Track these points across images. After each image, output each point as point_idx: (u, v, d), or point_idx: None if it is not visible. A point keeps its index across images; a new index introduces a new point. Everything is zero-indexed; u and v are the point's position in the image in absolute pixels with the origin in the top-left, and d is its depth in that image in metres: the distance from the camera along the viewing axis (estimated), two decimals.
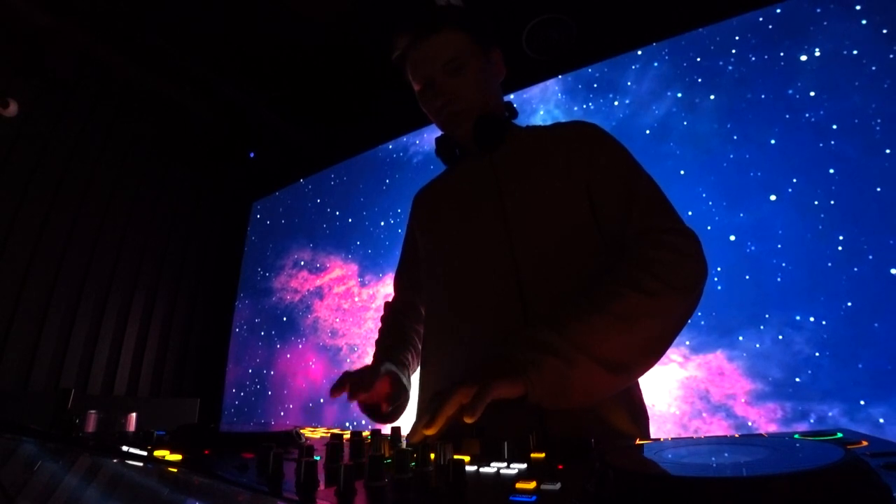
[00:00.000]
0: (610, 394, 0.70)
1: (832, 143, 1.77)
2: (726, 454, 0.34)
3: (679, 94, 2.20)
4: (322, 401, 2.98)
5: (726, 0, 2.16)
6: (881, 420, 1.50)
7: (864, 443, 0.44)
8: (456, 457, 0.40)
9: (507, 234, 0.83)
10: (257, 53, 3.05)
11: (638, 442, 0.58)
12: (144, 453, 0.51)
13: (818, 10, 1.93)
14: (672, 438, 0.54)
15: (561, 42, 2.53)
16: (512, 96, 2.71)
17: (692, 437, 0.52)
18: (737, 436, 0.53)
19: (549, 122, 0.99)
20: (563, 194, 0.83)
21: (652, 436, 0.80)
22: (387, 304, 1.11)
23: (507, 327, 0.76)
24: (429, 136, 3.03)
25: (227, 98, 3.42)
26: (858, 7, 1.84)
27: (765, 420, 1.68)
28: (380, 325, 1.07)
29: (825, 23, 1.91)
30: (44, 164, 2.75)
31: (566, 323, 0.65)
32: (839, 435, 0.50)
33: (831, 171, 1.75)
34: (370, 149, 3.36)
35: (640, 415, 0.82)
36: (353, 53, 3.02)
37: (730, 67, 2.09)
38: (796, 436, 0.51)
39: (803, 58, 1.93)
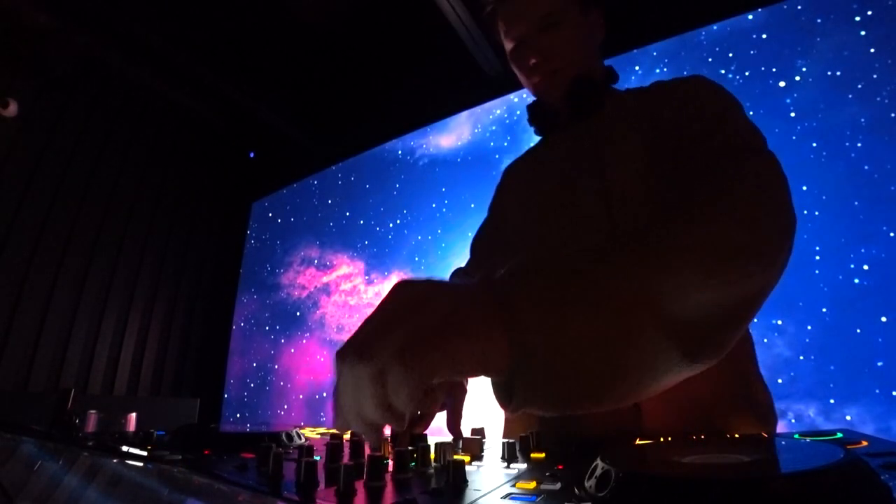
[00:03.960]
0: (666, 383, 0.36)
1: (823, 153, 1.82)
2: (726, 454, 0.34)
3: None
4: (325, 395, 3.00)
5: (726, 0, 2.17)
6: (848, 417, 1.59)
7: (864, 443, 0.44)
8: (456, 457, 0.40)
9: (606, 203, 0.74)
10: (257, 53, 3.05)
11: (638, 442, 0.58)
12: (144, 453, 0.51)
13: (818, 21, 1.95)
14: (672, 438, 0.54)
15: None
16: (515, 98, 2.71)
17: (692, 437, 0.52)
18: (737, 436, 0.53)
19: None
20: (659, 162, 0.71)
21: None
22: (456, 272, 0.98)
23: None
24: (434, 139, 3.05)
25: (227, 98, 3.42)
26: (858, 18, 1.86)
27: None
28: None
29: (818, 38, 1.94)
30: (44, 164, 2.75)
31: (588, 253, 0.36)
32: (839, 435, 0.50)
33: (822, 181, 1.80)
34: (370, 149, 3.36)
35: (767, 412, 0.67)
36: (354, 53, 3.02)
37: (729, 75, 2.12)
38: (796, 436, 0.51)
39: (783, 82, 1.97)
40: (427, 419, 0.54)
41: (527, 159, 0.97)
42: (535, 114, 0.91)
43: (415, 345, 0.29)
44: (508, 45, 0.86)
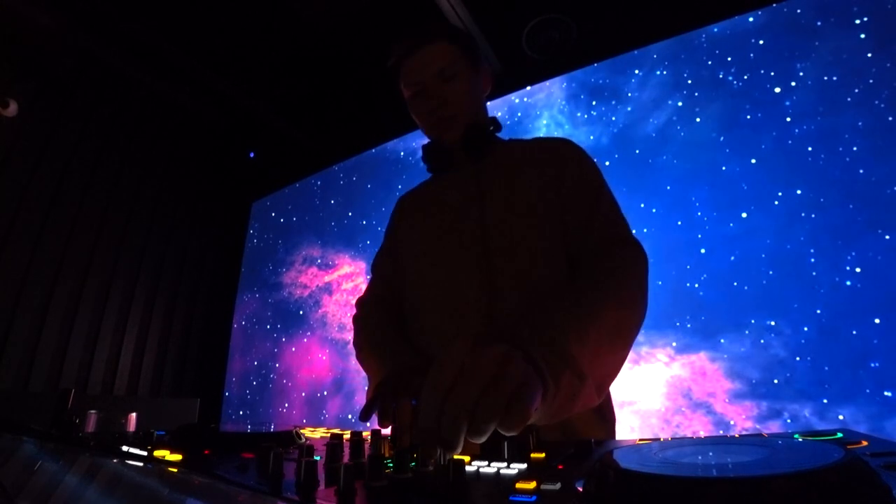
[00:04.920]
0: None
1: (821, 156, 1.83)
2: (727, 454, 0.34)
3: (680, 104, 2.22)
4: (325, 393, 3.01)
5: (725, 1, 2.17)
6: (841, 417, 1.61)
7: (864, 443, 0.44)
8: (456, 457, 0.40)
9: (484, 242, 0.85)
10: (257, 53, 3.05)
11: (638, 441, 0.58)
12: (144, 453, 0.51)
13: (818, 24, 1.95)
14: (672, 438, 0.54)
15: (561, 42, 2.53)
16: (516, 99, 2.72)
17: (692, 437, 0.52)
18: (737, 436, 0.53)
19: (538, 135, 1.01)
20: (537, 209, 0.86)
21: (633, 432, 0.83)
22: (362, 302, 1.02)
23: (470, 330, 0.80)
24: None
25: (227, 98, 3.43)
26: (858, 21, 1.87)
27: (742, 418, 1.77)
28: (360, 324, 0.97)
29: (816, 43, 1.94)
30: (44, 164, 2.75)
31: (568, 332, 0.58)
32: (839, 435, 0.50)
33: (817, 184, 1.82)
34: (370, 149, 3.36)
35: (608, 416, 0.82)
36: (354, 53, 3.02)
37: (730, 77, 2.13)
38: (796, 436, 0.51)
39: (779, 87, 1.98)
40: None
41: (420, 193, 1.08)
42: (430, 154, 1.01)
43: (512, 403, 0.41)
44: (408, 93, 0.97)
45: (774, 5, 2.07)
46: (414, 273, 0.96)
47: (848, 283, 1.67)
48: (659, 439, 0.58)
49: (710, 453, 0.35)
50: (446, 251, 0.90)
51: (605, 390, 0.63)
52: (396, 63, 0.97)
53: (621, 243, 0.79)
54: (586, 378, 0.56)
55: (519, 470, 0.42)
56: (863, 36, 1.85)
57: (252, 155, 4.07)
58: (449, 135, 0.95)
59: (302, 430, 0.76)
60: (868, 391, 1.57)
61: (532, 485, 0.34)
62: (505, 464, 0.43)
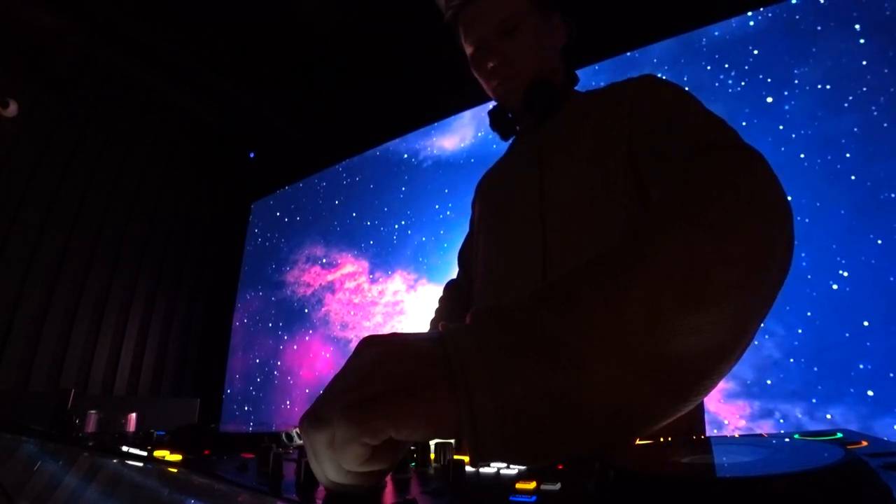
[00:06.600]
0: (659, 424, 0.32)
1: (818, 161, 1.84)
2: (726, 454, 0.34)
3: None
4: None
5: (726, 0, 2.17)
6: (829, 416, 1.65)
7: (864, 443, 0.44)
8: (456, 457, 0.40)
9: (541, 206, 0.76)
10: (257, 53, 3.06)
11: (638, 442, 0.58)
12: (144, 453, 0.51)
13: (819, 28, 1.96)
14: (671, 438, 0.54)
15: None
16: None
17: (692, 437, 0.52)
18: (737, 436, 0.53)
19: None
20: (603, 163, 0.71)
21: None
22: (448, 283, 1.08)
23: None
24: (438, 140, 3.05)
25: (227, 98, 3.43)
26: (858, 26, 1.88)
27: (736, 417, 1.80)
28: (438, 304, 1.04)
29: (813, 49, 1.95)
30: (44, 164, 2.76)
31: (567, 291, 0.32)
32: (839, 435, 0.50)
33: (812, 188, 1.83)
34: (370, 149, 3.37)
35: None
36: (354, 52, 3.02)
37: (729, 81, 2.14)
38: (796, 436, 0.51)
39: (774, 95, 2.00)
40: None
41: (491, 170, 0.99)
42: (496, 119, 0.91)
43: (359, 406, 0.29)
44: (469, 50, 0.86)
45: (772, 9, 2.07)
46: (479, 255, 0.90)
47: (835, 286, 1.70)
48: (659, 439, 0.58)
49: (711, 453, 0.35)
50: (506, 229, 0.82)
51: (703, 383, 0.33)
52: (454, 16, 0.85)
53: (713, 149, 0.48)
54: (585, 356, 0.28)
55: (519, 470, 0.42)
56: (862, 41, 1.85)
57: (252, 155, 4.07)
58: (512, 96, 0.84)
59: None
60: (854, 391, 1.60)
61: (532, 485, 0.34)
62: (505, 464, 0.43)
